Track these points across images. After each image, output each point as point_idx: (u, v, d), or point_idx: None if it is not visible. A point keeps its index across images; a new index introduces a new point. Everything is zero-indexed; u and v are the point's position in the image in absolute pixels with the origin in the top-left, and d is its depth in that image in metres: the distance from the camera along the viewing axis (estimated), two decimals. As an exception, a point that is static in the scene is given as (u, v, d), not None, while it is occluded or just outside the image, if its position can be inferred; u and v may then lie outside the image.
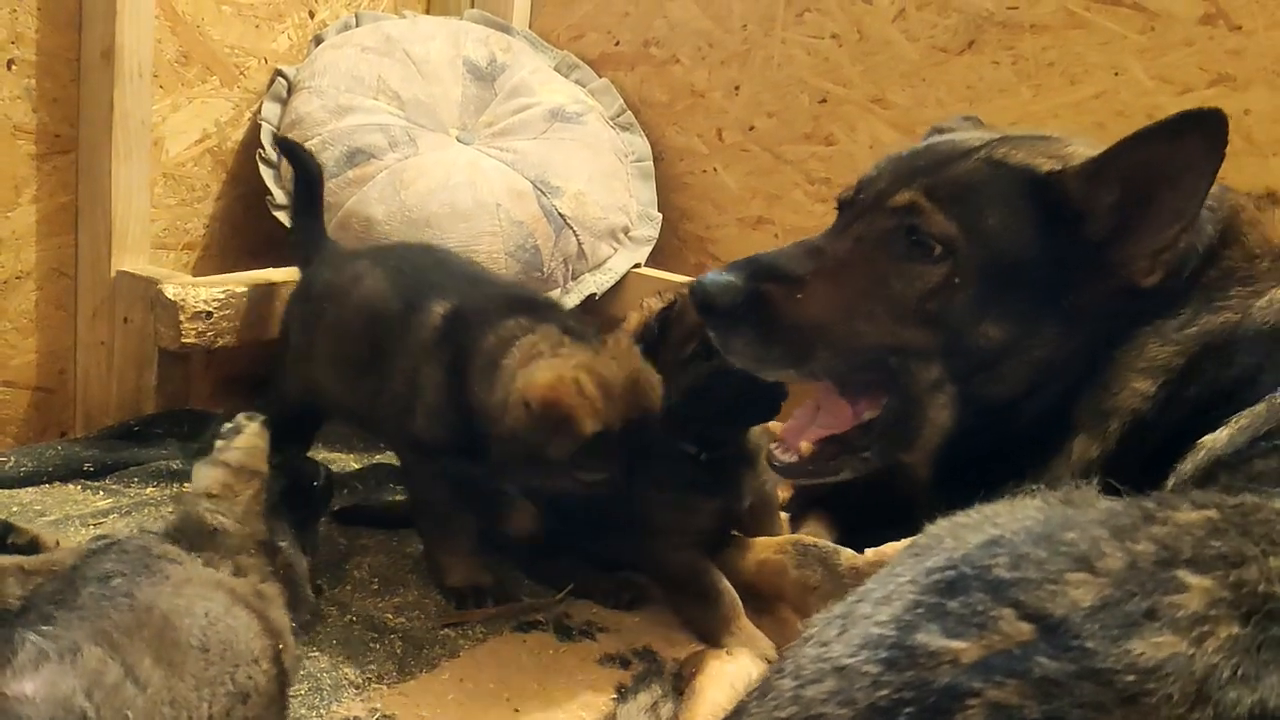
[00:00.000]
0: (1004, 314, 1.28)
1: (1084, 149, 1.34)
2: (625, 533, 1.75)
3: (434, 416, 1.68)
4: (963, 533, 0.90)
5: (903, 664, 0.77)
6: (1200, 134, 1.21)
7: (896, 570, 0.89)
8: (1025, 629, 0.77)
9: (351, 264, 1.94)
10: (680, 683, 1.37)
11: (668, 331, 1.69)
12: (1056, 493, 0.98)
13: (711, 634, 1.62)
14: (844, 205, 1.44)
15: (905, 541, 1.59)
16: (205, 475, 1.47)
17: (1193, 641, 0.75)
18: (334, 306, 1.87)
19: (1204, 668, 0.73)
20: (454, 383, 1.66)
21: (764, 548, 1.78)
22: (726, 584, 1.68)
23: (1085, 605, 0.77)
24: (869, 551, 1.70)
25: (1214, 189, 1.25)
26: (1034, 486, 1.02)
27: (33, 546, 1.59)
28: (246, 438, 1.51)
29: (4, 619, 1.23)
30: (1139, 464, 1.19)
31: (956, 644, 0.77)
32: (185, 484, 2.02)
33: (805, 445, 1.39)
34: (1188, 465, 1.13)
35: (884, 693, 0.76)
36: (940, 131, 1.59)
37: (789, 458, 1.40)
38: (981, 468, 1.29)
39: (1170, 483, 1.14)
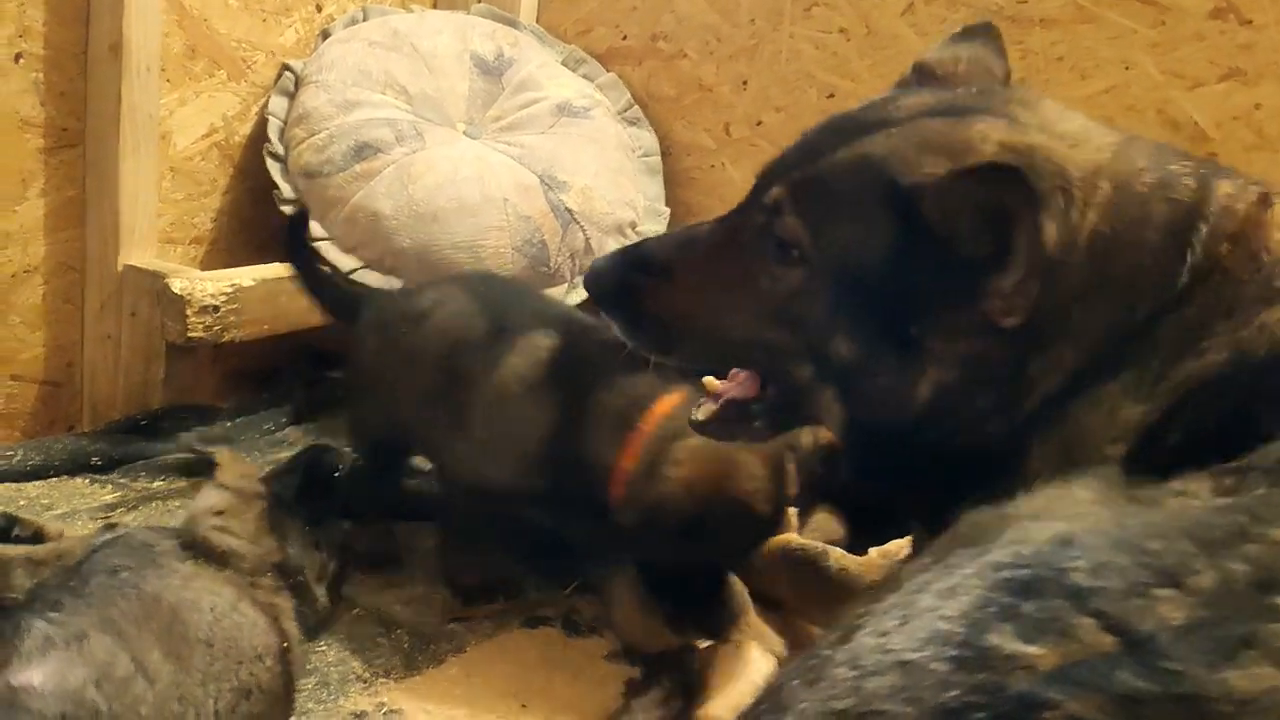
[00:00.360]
0: (853, 332, 1.17)
1: (1000, 134, 1.13)
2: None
3: (527, 463, 1.55)
4: (1020, 525, 0.85)
5: (973, 665, 0.73)
6: (998, 187, 1.05)
7: (952, 561, 0.83)
8: (1108, 641, 0.72)
9: (432, 288, 1.86)
10: (690, 678, 1.37)
11: None
12: (1102, 481, 0.92)
13: (719, 629, 1.62)
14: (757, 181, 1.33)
15: (901, 542, 1.57)
16: (209, 496, 1.47)
17: None
18: (410, 333, 1.76)
19: None
20: (563, 432, 1.53)
21: (761, 551, 1.78)
22: (734, 579, 1.67)
23: (1175, 624, 0.72)
24: (873, 551, 1.70)
25: (1192, 192, 1.09)
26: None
27: (38, 538, 1.59)
28: (232, 464, 1.52)
29: (11, 610, 1.23)
30: None
31: (1032, 649, 0.72)
32: (191, 478, 2.05)
33: (710, 407, 1.35)
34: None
35: (953, 694, 0.72)
36: (919, 73, 1.37)
37: (700, 415, 1.35)
38: (916, 480, 1.22)
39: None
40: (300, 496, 1.54)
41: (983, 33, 1.40)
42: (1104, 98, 2.22)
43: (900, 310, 1.14)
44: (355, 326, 1.88)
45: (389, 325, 1.80)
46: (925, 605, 0.79)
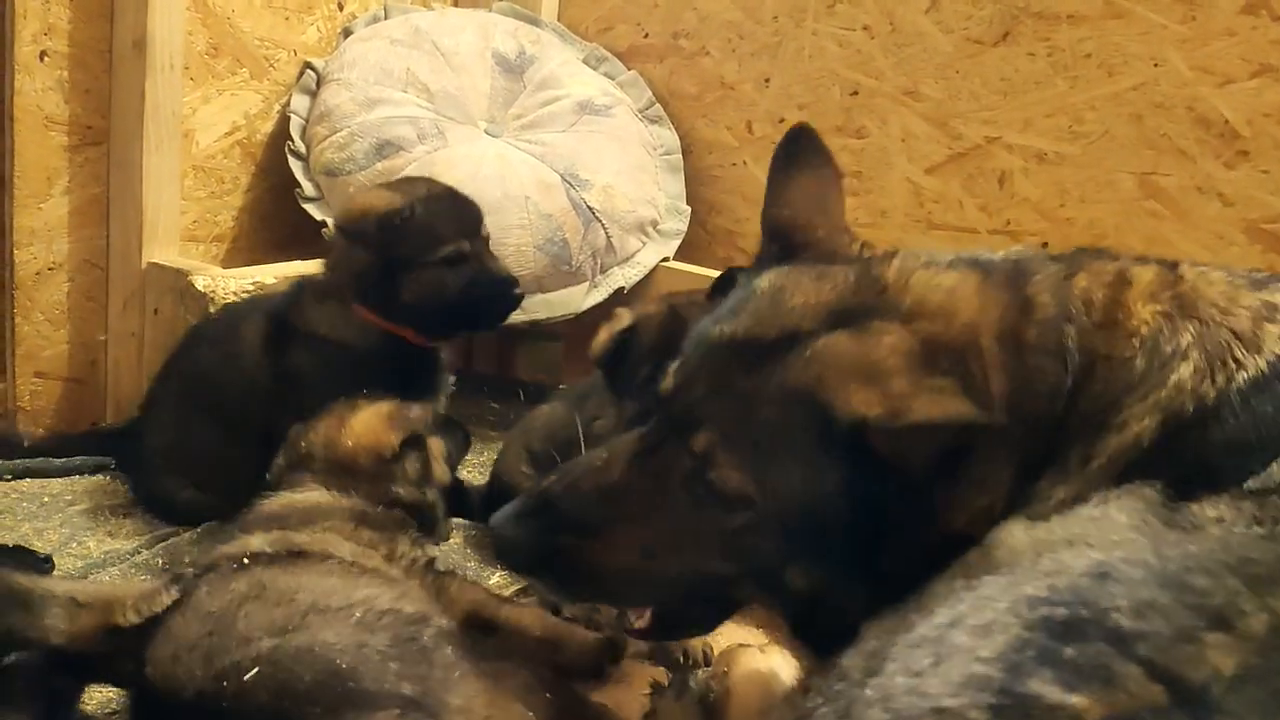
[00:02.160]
0: (811, 566, 1.14)
1: (902, 343, 1.11)
2: None
3: None
4: (1054, 553, 0.81)
5: (1014, 714, 0.70)
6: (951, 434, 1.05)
7: (986, 593, 0.80)
8: (1156, 691, 0.69)
9: None
10: (714, 680, 1.35)
11: (627, 353, 1.70)
12: (1140, 503, 0.89)
13: None
14: (660, 403, 1.25)
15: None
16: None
17: None
18: None
19: None
20: None
21: None
22: None
23: (1228, 675, 0.69)
24: None
25: (1050, 304, 1.11)
26: None
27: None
28: None
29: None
30: None
31: (1076, 698, 0.69)
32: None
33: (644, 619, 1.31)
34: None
35: None
36: (772, 236, 1.32)
37: (639, 624, 1.30)
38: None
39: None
40: None
41: (804, 147, 1.38)
42: (1132, 95, 2.20)
43: (862, 539, 1.11)
44: None
45: None
46: (959, 643, 0.76)
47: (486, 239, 1.90)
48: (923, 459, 1.07)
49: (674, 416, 1.20)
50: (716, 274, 2.47)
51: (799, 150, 1.38)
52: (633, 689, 1.44)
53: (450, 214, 1.81)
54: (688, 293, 1.97)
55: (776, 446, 1.12)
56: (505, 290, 1.83)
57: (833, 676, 0.82)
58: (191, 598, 1.21)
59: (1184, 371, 1.05)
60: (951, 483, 1.09)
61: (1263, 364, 1.04)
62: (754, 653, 1.43)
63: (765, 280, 1.22)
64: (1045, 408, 1.10)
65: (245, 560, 1.26)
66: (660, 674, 1.44)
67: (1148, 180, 2.21)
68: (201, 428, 1.91)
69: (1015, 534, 0.88)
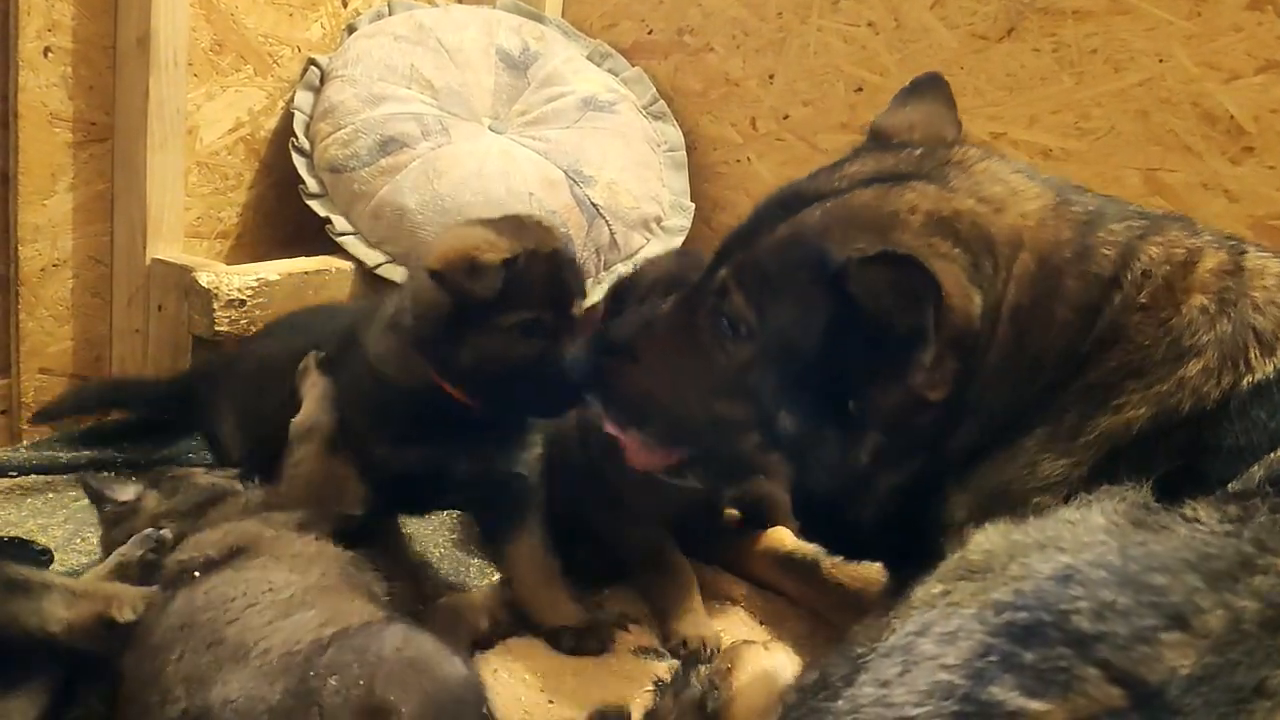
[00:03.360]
0: (795, 407, 1.21)
1: (928, 203, 1.16)
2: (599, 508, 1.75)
3: None
4: (1024, 556, 0.82)
5: None
6: (903, 272, 1.08)
7: (955, 599, 0.81)
8: (1115, 694, 0.69)
9: None
10: (717, 677, 1.35)
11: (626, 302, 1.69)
12: (1120, 504, 0.89)
13: (667, 608, 1.63)
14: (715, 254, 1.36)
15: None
16: None
17: None
18: None
19: None
20: None
21: (758, 558, 1.79)
22: (684, 562, 1.70)
23: (1184, 673, 0.70)
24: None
25: (1110, 261, 1.13)
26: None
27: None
28: None
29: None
30: None
31: (1036, 705, 0.70)
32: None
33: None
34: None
35: None
36: (875, 136, 1.39)
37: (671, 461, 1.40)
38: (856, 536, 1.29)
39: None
40: None
41: (930, 86, 1.44)
42: (1138, 91, 2.19)
43: (839, 387, 1.17)
44: None
45: None
46: (925, 651, 0.77)
47: (577, 317, 1.57)
48: (898, 316, 1.09)
49: (712, 261, 1.30)
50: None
51: (924, 89, 1.44)
52: (635, 685, 1.43)
53: (545, 277, 1.50)
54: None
55: (779, 282, 1.19)
56: (566, 385, 1.47)
57: (817, 683, 0.83)
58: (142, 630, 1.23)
59: (1192, 369, 1.06)
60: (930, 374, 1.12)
61: (1270, 369, 1.04)
62: (758, 650, 1.43)
63: (848, 158, 1.31)
64: (1050, 359, 1.12)
65: (195, 574, 1.28)
66: (663, 670, 1.44)
67: (1153, 176, 2.20)
68: (260, 404, 1.80)
69: (993, 538, 0.88)
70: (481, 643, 1.51)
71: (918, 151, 1.26)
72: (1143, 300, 1.11)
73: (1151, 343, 1.09)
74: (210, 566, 1.29)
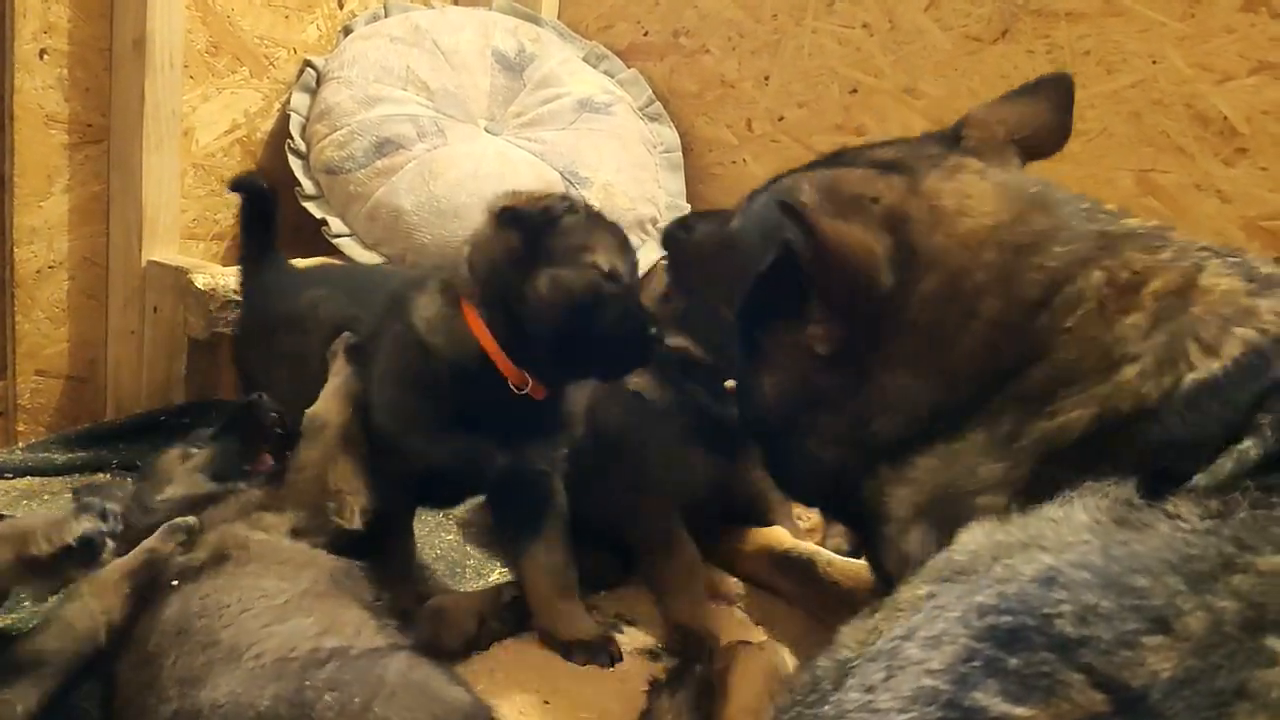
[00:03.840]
0: (735, 338, 1.37)
1: (891, 196, 1.25)
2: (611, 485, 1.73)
3: None
4: (1008, 557, 0.83)
5: None
6: (798, 228, 1.18)
7: (940, 601, 0.82)
8: (1098, 699, 0.70)
9: None
10: (712, 676, 1.36)
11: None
12: (1103, 501, 0.90)
13: (669, 590, 1.64)
14: None
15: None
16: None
17: None
18: None
19: None
20: None
21: (753, 557, 1.79)
22: (692, 547, 1.69)
23: (1166, 677, 0.70)
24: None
25: (1055, 273, 1.16)
26: None
27: None
28: None
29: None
30: None
31: (1020, 710, 0.70)
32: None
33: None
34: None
35: None
36: (957, 126, 1.46)
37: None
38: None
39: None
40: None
41: (1052, 86, 1.50)
42: (1131, 92, 2.20)
43: (754, 317, 1.32)
44: None
45: None
46: (911, 657, 0.78)
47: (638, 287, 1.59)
48: (819, 263, 1.19)
49: None
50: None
51: (1042, 88, 1.51)
52: (632, 686, 1.44)
53: (614, 236, 1.51)
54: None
55: (748, 232, 1.38)
56: (650, 339, 1.48)
57: (807, 685, 0.84)
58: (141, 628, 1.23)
59: (1128, 373, 1.08)
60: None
61: (1216, 368, 1.05)
62: (754, 650, 1.43)
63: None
64: (970, 367, 1.17)
65: (174, 583, 1.28)
66: (660, 670, 1.44)
67: (1146, 178, 2.21)
68: (288, 364, 1.73)
69: (977, 537, 0.89)
70: (473, 644, 1.50)
71: (933, 150, 1.33)
72: (1068, 324, 1.14)
73: (1078, 357, 1.12)
74: (193, 573, 1.28)
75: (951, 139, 1.39)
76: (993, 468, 1.12)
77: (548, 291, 1.43)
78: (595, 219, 1.51)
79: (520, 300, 1.44)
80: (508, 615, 1.54)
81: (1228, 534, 0.82)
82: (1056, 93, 1.46)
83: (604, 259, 1.45)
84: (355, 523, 1.44)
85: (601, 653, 1.50)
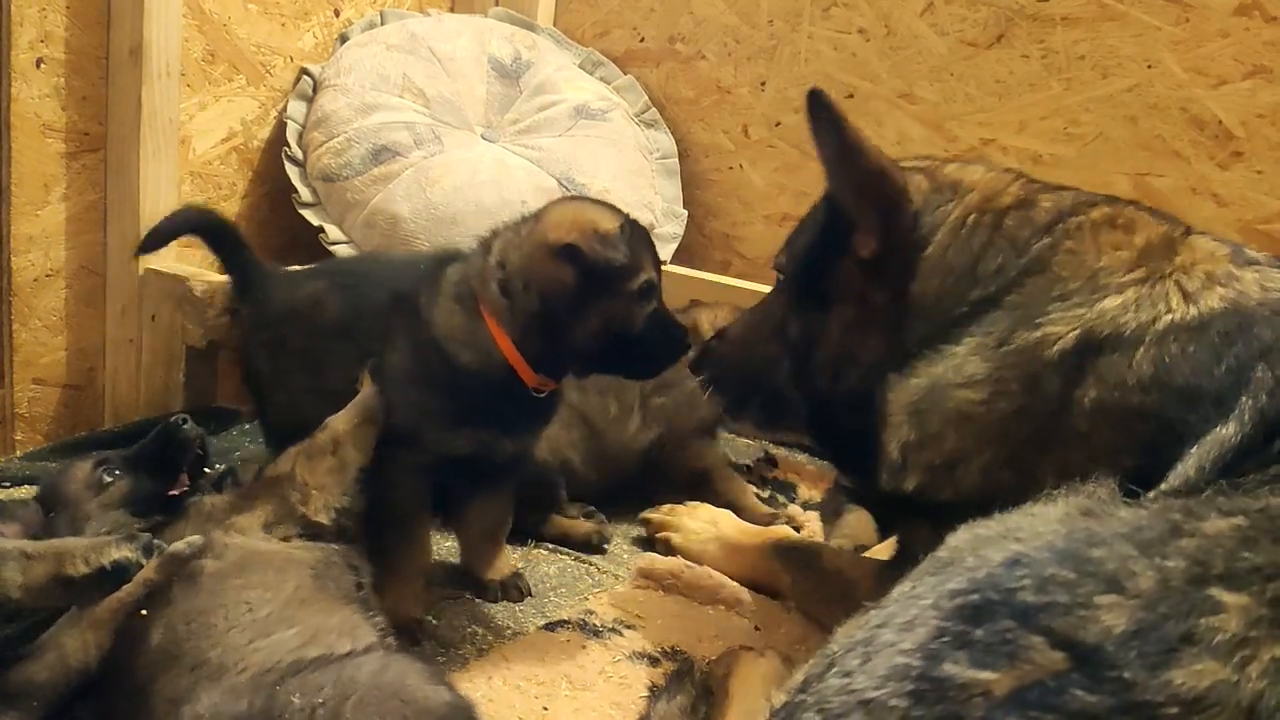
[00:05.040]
0: (799, 311, 1.52)
1: (921, 178, 1.48)
2: None
3: None
4: (983, 548, 0.87)
5: (931, 697, 0.75)
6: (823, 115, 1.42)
7: (917, 591, 0.85)
8: (1057, 658, 0.74)
9: None
10: (711, 682, 1.36)
11: None
12: (1076, 499, 0.95)
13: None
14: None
15: (889, 542, 1.65)
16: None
17: (1235, 667, 0.71)
18: None
19: (1250, 695, 0.70)
20: None
21: (752, 549, 1.80)
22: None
23: (1118, 631, 0.74)
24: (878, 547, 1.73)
25: (1046, 215, 1.35)
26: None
27: None
28: None
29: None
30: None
31: (986, 675, 0.74)
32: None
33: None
34: (1189, 466, 1.09)
35: None
36: None
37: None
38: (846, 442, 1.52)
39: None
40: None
41: None
42: (1126, 96, 2.21)
43: (814, 274, 1.48)
44: None
45: None
46: (886, 640, 0.82)
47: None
48: (862, 211, 1.41)
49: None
50: (713, 278, 2.48)
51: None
52: (630, 692, 1.44)
53: (645, 239, 1.54)
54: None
55: (805, 221, 1.56)
56: (680, 338, 1.56)
57: (799, 685, 0.87)
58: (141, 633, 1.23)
59: (1110, 304, 1.23)
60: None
61: (1192, 314, 1.18)
62: (753, 655, 1.43)
63: None
64: (980, 273, 1.35)
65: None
66: (657, 676, 1.44)
67: (1142, 181, 2.21)
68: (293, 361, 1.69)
69: (960, 535, 0.93)
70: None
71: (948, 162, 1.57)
72: (1067, 245, 1.31)
73: (1069, 276, 1.28)
74: (160, 590, 1.28)
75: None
76: (978, 366, 1.27)
77: (600, 327, 1.48)
78: (635, 235, 1.52)
79: (565, 329, 1.48)
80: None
81: (1178, 506, 0.88)
82: None
83: (645, 277, 1.50)
84: (320, 517, 1.43)
85: (512, 588, 1.68)
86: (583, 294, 1.47)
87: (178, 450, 1.51)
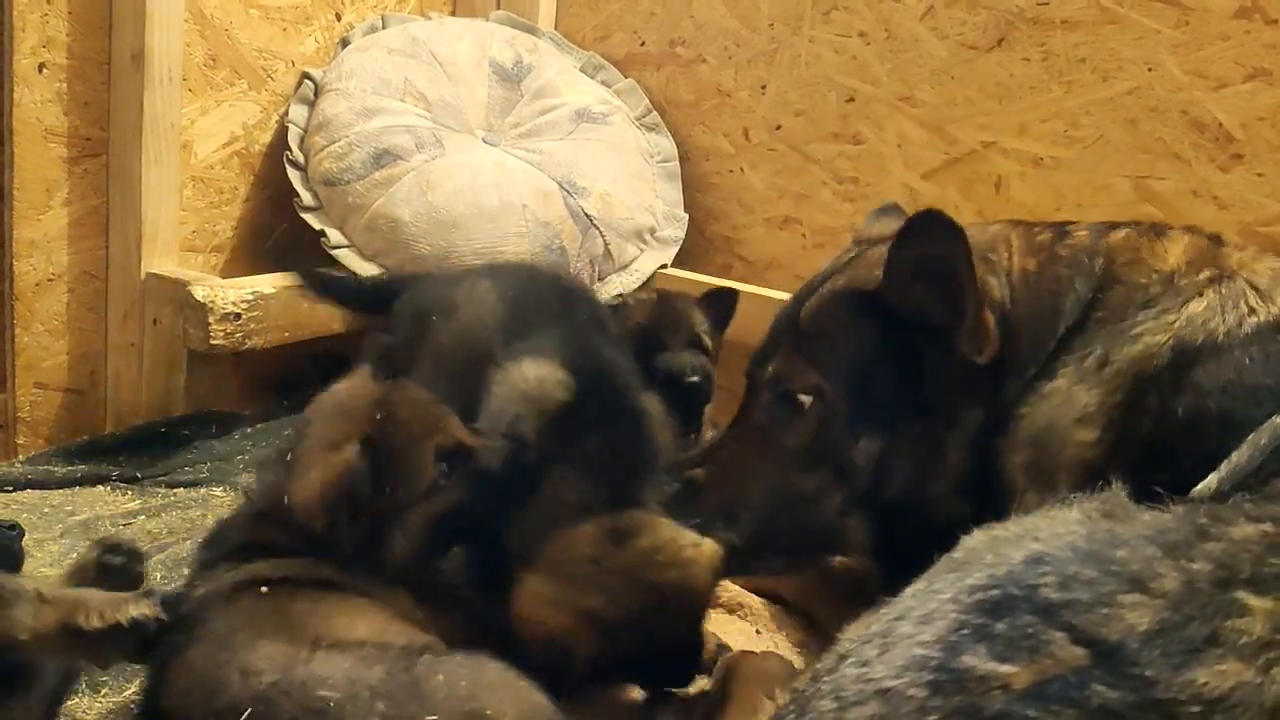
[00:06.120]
0: (875, 427, 1.39)
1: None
2: None
3: None
4: (1003, 548, 0.87)
5: (950, 688, 0.74)
6: (938, 231, 1.30)
7: (935, 587, 0.85)
8: (1079, 654, 0.74)
9: None
10: (713, 685, 1.36)
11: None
12: (1093, 503, 0.95)
13: None
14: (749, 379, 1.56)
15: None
16: None
17: (1260, 669, 0.71)
18: None
19: (1275, 698, 0.70)
20: None
21: None
22: None
23: (1142, 630, 0.74)
24: None
25: (1086, 238, 1.35)
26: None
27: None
28: None
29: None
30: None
31: (1006, 668, 0.74)
32: (213, 487, 2.05)
33: None
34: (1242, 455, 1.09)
35: (932, 718, 0.74)
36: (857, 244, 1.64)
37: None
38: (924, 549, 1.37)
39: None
40: None
41: (894, 212, 1.76)
42: (1127, 99, 2.21)
43: (910, 386, 1.36)
44: None
45: None
46: (904, 632, 0.81)
47: None
48: (933, 302, 1.31)
49: (749, 378, 1.50)
50: (714, 280, 2.48)
51: (891, 214, 1.76)
52: (631, 694, 1.44)
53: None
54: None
55: (829, 332, 1.41)
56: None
57: (808, 676, 0.86)
58: (203, 627, 1.18)
59: (1196, 306, 1.20)
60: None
61: (1276, 311, 1.17)
62: (756, 658, 1.43)
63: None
64: (1060, 307, 1.31)
65: (263, 589, 1.23)
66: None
67: (1143, 184, 2.21)
68: None
69: (977, 536, 0.93)
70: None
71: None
72: (1127, 257, 1.30)
73: (1147, 280, 1.26)
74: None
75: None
76: (1090, 395, 1.23)
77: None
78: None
79: None
80: None
81: (1204, 512, 0.88)
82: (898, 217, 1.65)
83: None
84: None
85: None
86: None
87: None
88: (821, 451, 1.42)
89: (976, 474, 1.33)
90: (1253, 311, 1.17)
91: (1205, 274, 1.22)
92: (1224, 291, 1.20)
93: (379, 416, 1.31)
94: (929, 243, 1.30)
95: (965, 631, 0.77)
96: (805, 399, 1.41)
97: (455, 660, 1.14)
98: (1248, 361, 1.13)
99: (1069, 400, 1.23)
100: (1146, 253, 1.29)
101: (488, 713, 1.07)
